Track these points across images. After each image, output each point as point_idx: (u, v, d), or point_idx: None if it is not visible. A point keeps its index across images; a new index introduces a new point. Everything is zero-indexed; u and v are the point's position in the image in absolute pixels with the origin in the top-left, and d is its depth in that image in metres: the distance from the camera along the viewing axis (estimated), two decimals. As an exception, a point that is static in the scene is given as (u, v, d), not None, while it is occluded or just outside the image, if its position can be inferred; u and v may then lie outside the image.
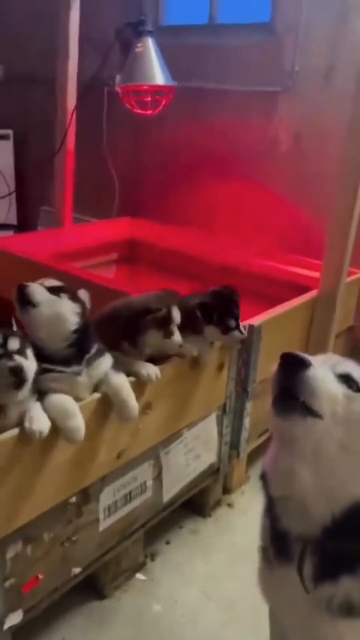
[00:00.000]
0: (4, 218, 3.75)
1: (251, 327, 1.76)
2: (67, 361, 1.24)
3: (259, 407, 1.92)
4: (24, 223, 3.88)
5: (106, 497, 1.42)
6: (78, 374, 1.25)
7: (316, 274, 2.32)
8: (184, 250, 2.84)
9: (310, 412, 0.83)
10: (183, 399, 1.58)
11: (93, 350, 1.27)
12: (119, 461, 1.43)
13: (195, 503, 1.85)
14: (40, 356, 1.20)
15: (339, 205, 1.97)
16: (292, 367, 0.84)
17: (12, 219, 3.82)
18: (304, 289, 2.21)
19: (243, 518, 1.89)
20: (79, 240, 2.83)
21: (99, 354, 1.29)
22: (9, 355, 1.10)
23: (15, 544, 1.23)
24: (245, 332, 1.57)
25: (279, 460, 0.89)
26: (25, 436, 1.14)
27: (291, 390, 0.83)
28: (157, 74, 2.31)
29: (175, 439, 1.61)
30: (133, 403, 1.31)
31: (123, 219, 3.11)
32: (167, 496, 1.63)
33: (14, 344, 1.12)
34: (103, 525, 1.44)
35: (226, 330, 1.52)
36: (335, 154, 2.52)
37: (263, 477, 0.94)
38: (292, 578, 0.93)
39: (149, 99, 2.47)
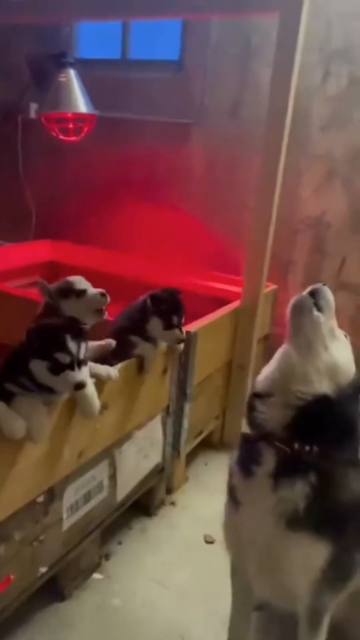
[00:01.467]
0: None
1: (188, 333, 1.91)
2: None
3: (194, 409, 2.07)
4: None
5: (69, 496, 1.49)
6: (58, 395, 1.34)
7: (233, 288, 2.55)
8: (105, 270, 2.94)
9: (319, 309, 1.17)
10: (134, 401, 1.69)
11: None
12: (80, 460, 1.50)
13: (142, 504, 1.94)
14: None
15: (256, 226, 2.20)
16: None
17: None
18: (222, 302, 2.41)
19: (186, 514, 2.01)
20: (1, 262, 2.84)
21: None
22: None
23: (-11, 544, 1.26)
24: (184, 335, 1.71)
25: (283, 354, 1.15)
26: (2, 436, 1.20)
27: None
28: (81, 103, 2.45)
29: (127, 439, 1.71)
30: (96, 401, 1.40)
31: (44, 241, 3.17)
32: (120, 495, 1.72)
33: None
34: (67, 524, 1.50)
35: (169, 325, 1.63)
36: (245, 180, 2.80)
37: (257, 396, 1.14)
38: (257, 489, 1.12)
39: (72, 126, 2.60)
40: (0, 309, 2.22)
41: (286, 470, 1.10)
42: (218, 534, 1.86)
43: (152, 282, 2.87)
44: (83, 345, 1.26)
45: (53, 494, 1.43)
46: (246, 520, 1.17)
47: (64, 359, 1.21)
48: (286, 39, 1.93)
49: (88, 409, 1.39)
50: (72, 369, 1.22)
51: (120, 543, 1.84)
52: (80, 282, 1.62)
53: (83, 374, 1.25)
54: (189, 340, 1.91)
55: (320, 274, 2.75)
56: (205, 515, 2.00)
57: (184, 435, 2.04)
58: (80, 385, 1.24)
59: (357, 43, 2.47)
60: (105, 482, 1.64)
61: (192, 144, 2.96)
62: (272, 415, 1.12)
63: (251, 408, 1.16)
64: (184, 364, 1.94)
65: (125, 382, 1.63)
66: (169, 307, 1.64)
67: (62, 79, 2.44)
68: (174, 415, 1.96)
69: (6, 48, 3.27)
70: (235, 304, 2.31)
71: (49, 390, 1.27)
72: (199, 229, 3.01)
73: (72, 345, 1.23)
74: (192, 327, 1.97)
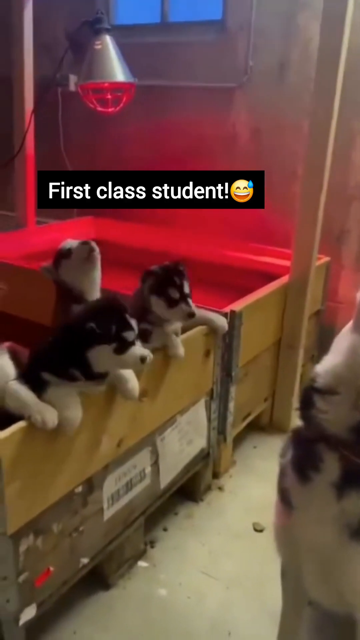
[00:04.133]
0: None
1: (233, 312, 1.81)
2: None
3: (241, 392, 1.98)
4: None
5: (109, 486, 1.44)
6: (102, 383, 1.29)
7: (281, 262, 2.42)
8: (149, 247, 2.86)
9: None
10: (175, 386, 1.61)
11: None
12: (119, 449, 1.44)
13: (188, 489, 1.88)
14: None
15: (306, 195, 2.05)
16: None
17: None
18: (270, 277, 2.28)
19: (233, 500, 1.94)
20: (44, 241, 2.79)
21: None
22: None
23: (27, 537, 1.23)
24: (192, 306, 1.50)
25: (352, 346, 0.98)
26: (34, 428, 1.15)
27: None
28: (118, 71, 2.33)
29: (169, 425, 1.64)
30: (134, 381, 1.33)
31: (86, 218, 3.11)
32: (164, 482, 1.66)
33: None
34: (107, 514, 1.45)
35: (170, 302, 1.47)
36: (293, 146, 2.63)
37: (317, 390, 1.00)
38: (316, 497, 0.99)
39: (109, 96, 2.48)
40: (40, 288, 2.18)
41: (353, 480, 0.97)
42: (268, 521, 1.80)
43: (196, 257, 2.78)
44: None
45: (92, 484, 1.38)
46: (302, 527, 1.05)
47: (130, 336, 1.22)
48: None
49: (129, 388, 1.32)
50: (134, 344, 1.23)
51: (165, 529, 1.79)
52: (64, 243, 1.62)
53: (142, 347, 1.26)
54: (233, 319, 1.81)
55: (376, 244, 2.58)
56: (254, 501, 1.92)
57: (230, 419, 1.95)
58: (145, 358, 1.23)
59: None
60: (148, 470, 1.58)
61: (236, 109, 2.80)
62: (336, 416, 0.98)
63: (308, 404, 1.02)
64: (228, 344, 1.84)
65: (164, 366, 1.55)
66: (164, 280, 1.48)
67: (97, 46, 2.31)
68: (219, 398, 1.87)
69: (45, 21, 3.17)
70: (284, 279, 2.18)
71: (99, 378, 1.25)
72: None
73: (132, 320, 1.23)
74: (237, 305, 1.87)
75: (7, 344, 1.33)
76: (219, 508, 1.90)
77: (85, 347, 1.20)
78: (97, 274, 1.64)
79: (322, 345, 2.49)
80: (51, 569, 1.31)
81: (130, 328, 1.22)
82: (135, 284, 1.61)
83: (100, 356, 1.21)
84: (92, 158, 3.32)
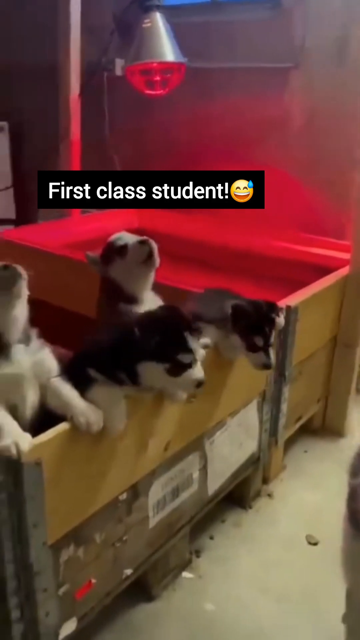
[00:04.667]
0: (2, 212, 3.63)
1: (288, 307, 1.68)
2: None
3: (294, 392, 1.85)
4: (23, 217, 3.75)
5: (155, 492, 1.34)
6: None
7: (338, 254, 2.26)
8: (196, 237, 2.75)
9: None
10: (226, 386, 1.50)
11: None
12: (166, 453, 1.34)
13: (236, 495, 1.77)
14: None
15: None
16: None
17: (11, 214, 3.70)
18: (325, 270, 2.13)
19: (284, 507, 1.82)
20: (87, 230, 2.72)
21: None
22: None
23: (68, 547, 1.14)
24: (273, 360, 1.37)
25: None
26: (77, 430, 1.06)
27: None
28: (167, 50, 2.21)
29: (219, 428, 1.53)
30: None
31: (131, 208, 3.01)
32: (212, 488, 1.55)
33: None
34: (152, 522, 1.36)
35: (252, 347, 1.34)
36: (352, 130, 2.45)
37: None
38: None
39: (158, 78, 2.37)
40: (82, 279, 2.10)
41: None
42: (322, 532, 1.68)
43: (243, 248, 2.66)
44: (197, 338, 1.14)
45: (137, 491, 1.29)
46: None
47: (187, 359, 1.09)
48: None
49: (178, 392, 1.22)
50: (192, 367, 1.09)
51: (212, 538, 1.68)
52: (119, 238, 1.44)
53: (200, 369, 1.11)
54: (289, 315, 1.67)
55: None
56: (306, 509, 1.80)
57: (282, 421, 1.82)
58: (201, 383, 1.10)
59: None
60: (196, 475, 1.47)
61: (291, 91, 2.64)
62: None
63: None
64: (282, 342, 1.71)
65: (215, 365, 1.43)
66: (253, 325, 1.33)
67: (146, 24, 2.20)
68: (271, 399, 1.74)
69: (91, 4, 3.07)
70: (342, 272, 2.03)
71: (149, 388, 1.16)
72: (296, 188, 2.71)
73: (192, 341, 1.10)
74: (292, 299, 1.73)
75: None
76: (269, 516, 1.78)
77: (137, 359, 1.10)
78: (153, 274, 1.48)
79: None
80: (93, 580, 1.22)
81: (189, 351, 1.10)
82: (181, 276, 1.50)
83: (151, 372, 1.10)
84: (139, 144, 3.22)
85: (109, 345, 1.15)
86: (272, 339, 1.37)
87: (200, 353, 1.15)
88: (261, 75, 2.68)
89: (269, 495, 1.86)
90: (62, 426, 1.06)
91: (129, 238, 1.44)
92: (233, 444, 1.60)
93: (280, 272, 2.47)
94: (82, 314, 1.81)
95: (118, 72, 3.16)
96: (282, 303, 1.68)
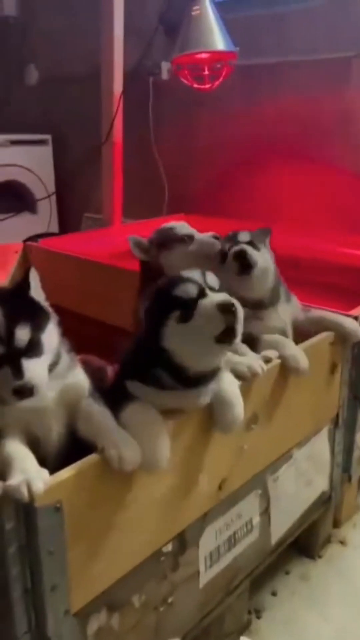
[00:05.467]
0: (46, 227, 3.50)
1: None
2: None
3: (371, 419, 1.56)
4: (66, 231, 3.63)
5: (207, 542, 1.08)
6: (202, 393, 0.94)
7: None
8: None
9: None
10: (292, 410, 1.23)
11: None
12: (221, 493, 1.09)
13: (302, 541, 1.48)
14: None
15: None
16: None
17: (54, 228, 3.58)
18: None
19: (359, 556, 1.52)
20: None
21: None
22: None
23: (98, 613, 0.90)
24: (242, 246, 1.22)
25: None
26: (108, 467, 0.82)
27: None
28: (218, 39, 2.02)
29: (284, 462, 1.26)
30: (239, 408, 0.96)
31: (176, 216, 2.80)
32: (276, 536, 1.28)
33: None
34: (204, 578, 1.09)
35: (222, 258, 1.23)
36: None
37: None
38: None
39: (207, 72, 2.17)
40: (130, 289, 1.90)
41: None
42: None
43: (300, 254, 2.39)
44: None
45: (185, 541, 1.03)
46: None
47: (188, 291, 0.89)
48: None
49: (228, 417, 0.96)
50: (203, 296, 0.89)
51: (274, 594, 1.40)
52: (182, 226, 1.32)
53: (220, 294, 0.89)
54: (365, 327, 1.40)
55: None
56: (386, 560, 1.49)
57: (356, 453, 1.53)
58: (227, 305, 0.84)
59: None
60: (256, 520, 1.20)
61: (355, 82, 2.38)
62: None
63: None
64: (356, 357, 1.44)
65: (279, 384, 1.17)
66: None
67: (195, 12, 2.01)
68: (344, 427, 1.46)
69: (134, 5, 2.94)
70: None
71: (191, 383, 0.92)
72: (360, 190, 2.44)
73: (194, 275, 0.93)
74: (366, 309, 1.45)
75: (80, 356, 1.01)
76: (343, 567, 1.48)
77: (156, 329, 0.89)
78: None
79: None
80: (129, 655, 0.97)
81: (186, 281, 0.89)
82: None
83: (172, 334, 0.88)
84: (185, 149, 3.03)
85: (137, 343, 0.96)
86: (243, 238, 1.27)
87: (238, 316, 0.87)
88: (320, 67, 2.45)
89: (341, 542, 1.56)
90: (89, 460, 0.83)
91: (191, 229, 1.34)
92: (300, 481, 1.32)
93: (342, 281, 2.19)
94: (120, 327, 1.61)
95: (164, 75, 3.00)
96: (354, 311, 1.41)
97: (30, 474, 0.76)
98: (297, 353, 1.15)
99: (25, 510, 0.76)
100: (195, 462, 1.01)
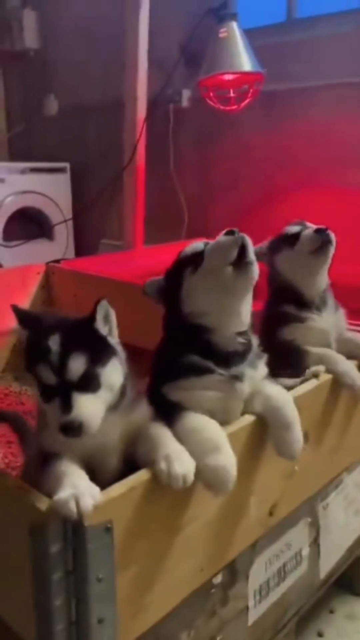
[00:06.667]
0: (63, 253, 3.48)
1: None
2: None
3: None
4: (83, 250, 3.63)
5: (257, 574, 0.99)
6: (239, 378, 0.86)
7: None
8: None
9: None
10: (343, 430, 1.15)
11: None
12: (272, 520, 1.00)
13: (346, 577, 1.37)
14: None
15: None
16: None
17: (71, 254, 3.56)
18: None
19: None
20: (153, 262, 2.47)
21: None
22: None
23: (144, 653, 0.80)
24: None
25: None
26: (158, 486, 0.74)
27: None
28: (244, 60, 2.01)
29: (333, 488, 1.17)
30: (299, 430, 0.89)
31: (198, 239, 2.77)
32: (325, 568, 1.17)
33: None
34: (253, 614, 0.99)
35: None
36: None
37: None
38: None
39: (233, 94, 2.16)
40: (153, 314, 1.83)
41: None
42: None
43: (336, 281, 2.34)
44: None
45: (235, 571, 0.94)
46: None
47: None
48: None
49: (287, 442, 0.88)
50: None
51: (320, 634, 1.28)
52: (292, 227, 1.20)
53: None
54: None
55: None
56: None
57: None
58: (237, 238, 0.88)
59: None
60: (305, 552, 1.11)
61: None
62: None
63: None
64: None
65: (330, 403, 1.10)
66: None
67: (222, 34, 2.02)
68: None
69: (156, 35, 2.98)
70: None
71: (225, 360, 0.88)
72: None
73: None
74: None
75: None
76: (391, 606, 1.37)
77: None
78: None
79: None
80: None
81: (192, 245, 0.93)
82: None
83: (187, 289, 0.90)
84: (205, 177, 3.02)
85: (163, 342, 0.96)
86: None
87: None
88: (343, 91, 2.44)
89: (388, 578, 1.45)
90: (140, 475, 0.75)
91: (304, 225, 1.21)
92: (349, 510, 1.23)
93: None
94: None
95: (185, 103, 3.02)
96: None
97: (80, 489, 0.68)
98: (351, 369, 1.08)
99: (73, 531, 0.68)
100: (245, 483, 0.92)
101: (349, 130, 2.42)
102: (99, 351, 0.77)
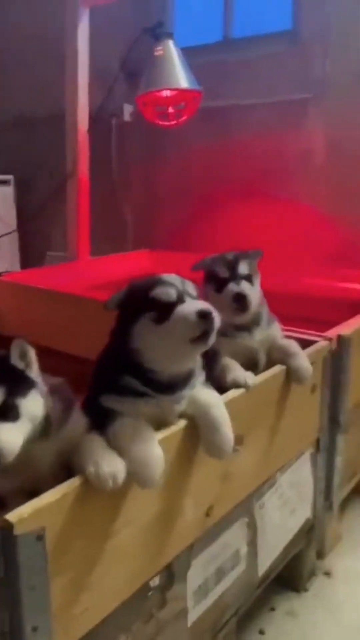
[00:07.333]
0: (8, 266, 3.43)
1: (339, 337, 1.40)
2: None
3: (350, 443, 1.53)
4: (29, 261, 3.59)
5: (195, 575, 1.01)
6: (176, 401, 0.91)
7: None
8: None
9: None
10: (276, 431, 1.20)
11: None
12: (208, 521, 1.03)
13: (285, 575, 1.42)
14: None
15: None
16: None
17: (16, 267, 3.52)
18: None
19: (347, 589, 1.46)
20: (99, 273, 2.49)
21: None
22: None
23: (81, 658, 0.81)
24: (242, 287, 1.18)
25: None
26: (91, 491, 0.76)
27: None
28: (181, 77, 2.07)
29: (268, 487, 1.21)
30: (228, 430, 0.93)
31: (141, 251, 2.81)
32: (263, 567, 1.21)
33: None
34: (192, 616, 1.02)
35: (218, 286, 1.19)
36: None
37: None
38: None
39: (171, 110, 2.22)
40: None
41: None
42: None
43: (270, 289, 2.41)
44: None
45: (172, 574, 0.97)
46: None
47: (167, 294, 0.90)
48: None
49: (219, 442, 0.92)
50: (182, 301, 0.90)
51: (262, 632, 1.32)
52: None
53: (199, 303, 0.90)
54: (341, 347, 1.40)
55: None
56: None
57: (336, 480, 1.50)
58: (206, 313, 0.86)
59: None
60: (243, 551, 1.15)
61: (311, 123, 2.49)
62: None
63: None
64: (334, 379, 1.42)
65: (264, 404, 1.15)
66: (215, 263, 1.23)
67: (158, 52, 2.07)
68: (325, 451, 1.43)
69: (100, 51, 3.01)
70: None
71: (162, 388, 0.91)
72: (322, 222, 2.51)
73: (169, 279, 0.95)
74: (345, 328, 1.45)
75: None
76: (331, 601, 1.42)
77: (127, 327, 0.91)
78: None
79: None
80: None
81: (166, 284, 0.89)
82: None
83: (142, 330, 0.89)
84: (149, 189, 3.06)
85: (106, 354, 0.97)
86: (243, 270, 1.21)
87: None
88: (278, 108, 2.55)
89: (327, 574, 1.51)
90: (72, 482, 0.77)
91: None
92: (285, 509, 1.27)
93: (312, 312, 2.21)
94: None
95: (126, 117, 3.06)
96: (333, 332, 1.41)
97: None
98: (239, 377, 1.10)
99: (3, 540, 0.69)
100: (180, 485, 0.96)
101: (281, 145, 2.52)
102: (17, 383, 0.80)
